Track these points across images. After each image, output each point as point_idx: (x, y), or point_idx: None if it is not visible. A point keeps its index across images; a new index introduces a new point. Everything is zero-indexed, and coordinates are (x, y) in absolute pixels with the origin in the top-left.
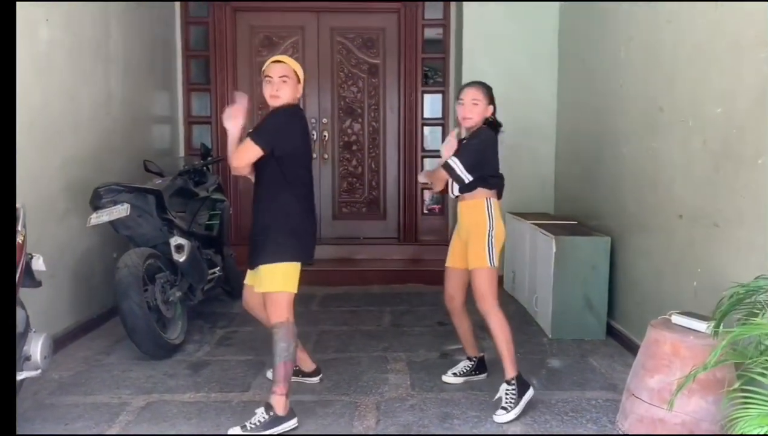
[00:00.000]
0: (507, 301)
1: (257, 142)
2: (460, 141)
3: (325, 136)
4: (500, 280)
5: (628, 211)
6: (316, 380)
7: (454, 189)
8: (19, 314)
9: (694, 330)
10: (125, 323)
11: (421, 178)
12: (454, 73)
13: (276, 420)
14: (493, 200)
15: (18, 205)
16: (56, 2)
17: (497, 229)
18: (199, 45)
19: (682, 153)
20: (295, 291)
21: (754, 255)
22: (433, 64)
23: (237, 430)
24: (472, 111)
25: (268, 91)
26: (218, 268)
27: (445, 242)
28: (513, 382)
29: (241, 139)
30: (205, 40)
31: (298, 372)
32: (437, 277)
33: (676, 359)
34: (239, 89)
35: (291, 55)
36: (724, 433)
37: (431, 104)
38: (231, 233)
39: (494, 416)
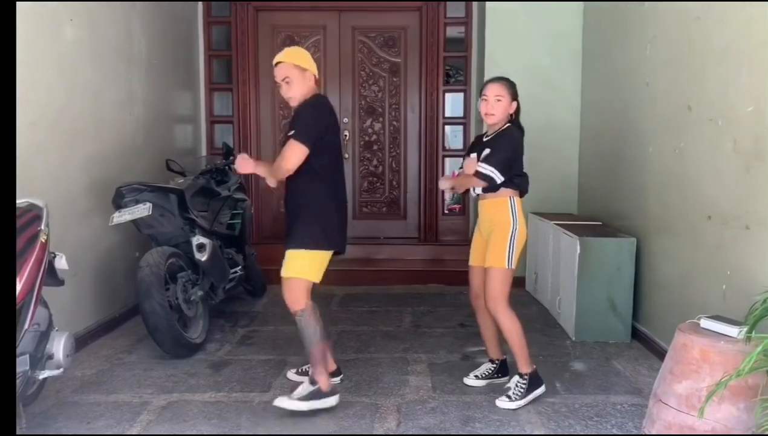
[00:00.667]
0: (529, 302)
1: (303, 141)
2: (480, 137)
3: (346, 135)
4: (522, 281)
5: (653, 212)
6: (336, 380)
7: (477, 188)
8: (42, 312)
9: (725, 335)
10: (147, 322)
11: (444, 185)
12: (476, 72)
13: (319, 394)
14: (516, 199)
15: (41, 204)
16: (81, 2)
17: (520, 230)
18: (221, 45)
19: (711, 153)
20: (315, 280)
21: None
22: (454, 63)
23: (284, 400)
24: (495, 107)
25: (282, 94)
26: (240, 267)
27: (466, 242)
28: (525, 376)
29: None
30: (227, 39)
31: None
32: (458, 277)
33: (705, 365)
34: (261, 88)
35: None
36: None
37: (452, 103)
38: (252, 232)
39: (497, 401)
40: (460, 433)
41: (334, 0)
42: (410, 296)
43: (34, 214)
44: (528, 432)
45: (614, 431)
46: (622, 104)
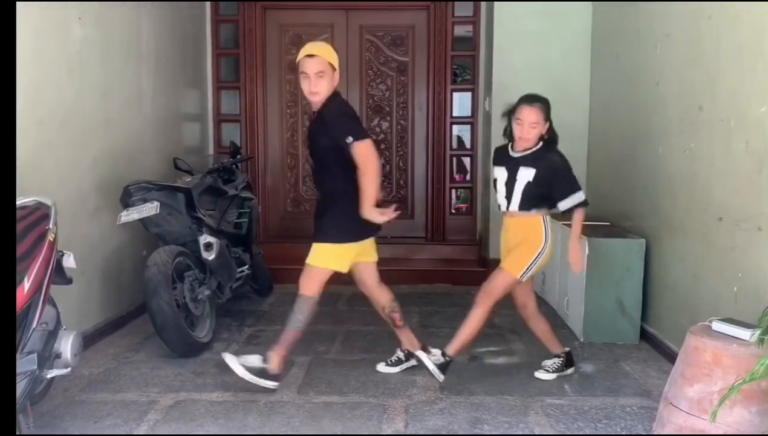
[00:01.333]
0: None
1: (365, 137)
2: (506, 152)
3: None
4: None
5: (663, 213)
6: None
7: (510, 205)
8: (50, 311)
9: (737, 338)
10: (154, 321)
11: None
12: (483, 71)
13: (263, 373)
14: (548, 217)
15: (49, 202)
16: (89, 1)
17: (548, 250)
18: (229, 43)
19: (722, 154)
20: (341, 269)
21: None
22: (462, 62)
23: (231, 358)
24: (530, 133)
25: (306, 88)
26: (247, 266)
27: (474, 242)
28: (450, 359)
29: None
30: (234, 38)
31: (410, 356)
32: (465, 277)
33: (717, 368)
34: (268, 87)
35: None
36: None
37: (460, 102)
38: (259, 231)
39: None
40: (468, 434)
41: None
42: (417, 295)
43: (43, 212)
44: (537, 432)
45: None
46: (631, 104)
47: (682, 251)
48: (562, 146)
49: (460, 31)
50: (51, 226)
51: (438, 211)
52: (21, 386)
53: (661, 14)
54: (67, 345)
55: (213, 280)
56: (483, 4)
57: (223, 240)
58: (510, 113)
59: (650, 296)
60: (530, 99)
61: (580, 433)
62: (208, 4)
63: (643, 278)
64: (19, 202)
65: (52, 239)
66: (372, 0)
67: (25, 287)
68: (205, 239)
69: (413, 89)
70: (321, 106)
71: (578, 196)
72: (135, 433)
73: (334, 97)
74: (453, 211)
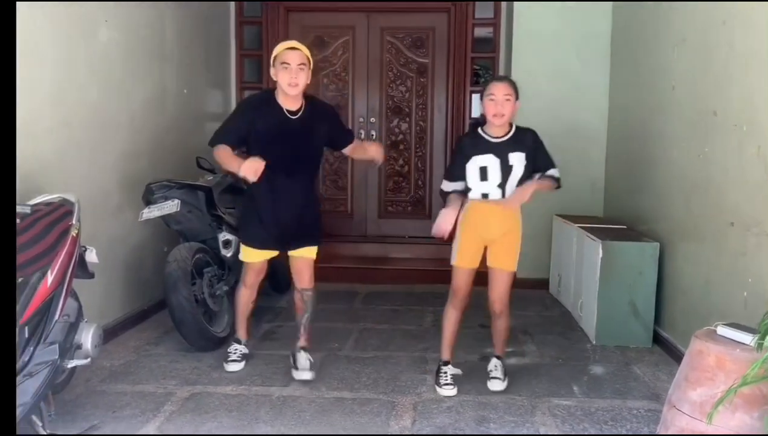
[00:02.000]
0: (552, 305)
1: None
2: (479, 137)
3: (372, 135)
4: (545, 283)
5: (677, 217)
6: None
7: (505, 192)
8: (72, 304)
9: (741, 343)
10: (173, 316)
11: (525, 197)
12: (503, 73)
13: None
14: None
15: (73, 199)
16: (115, 2)
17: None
18: (253, 44)
19: (735, 159)
20: None
21: None
22: (485, 63)
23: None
24: (505, 107)
25: (286, 79)
26: None
27: None
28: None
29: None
30: (258, 39)
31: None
32: (482, 278)
33: (720, 372)
34: None
35: (340, 56)
36: None
37: (479, 104)
38: None
39: (491, 384)
40: (474, 433)
41: (363, 1)
42: (433, 295)
43: (67, 209)
44: (543, 432)
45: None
46: (649, 107)
47: (695, 255)
48: (579, 148)
49: (481, 32)
50: (74, 222)
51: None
52: (42, 375)
53: (679, 17)
54: (87, 337)
55: (231, 276)
56: (503, 6)
57: None
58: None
59: (664, 300)
60: (498, 78)
61: (584, 433)
62: (232, 5)
63: (656, 281)
64: (44, 198)
65: (75, 235)
66: (393, 1)
67: (48, 280)
68: (224, 236)
69: (433, 91)
70: (302, 103)
71: (557, 172)
72: (139, 433)
73: (313, 97)
74: None
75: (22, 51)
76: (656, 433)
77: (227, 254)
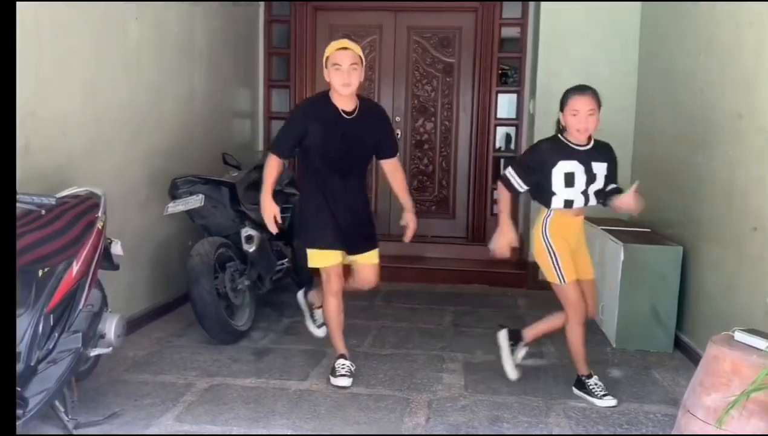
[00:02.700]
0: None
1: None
2: (566, 145)
3: (397, 134)
4: None
5: (701, 221)
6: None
7: (587, 201)
8: (96, 294)
9: (758, 348)
10: (195, 309)
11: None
12: (529, 73)
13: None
14: None
15: (100, 193)
16: (146, 2)
17: None
18: (281, 43)
19: (759, 162)
20: None
21: None
22: (513, 63)
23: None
24: (589, 122)
25: (339, 80)
26: (287, 259)
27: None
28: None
29: None
30: (286, 38)
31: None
32: (502, 278)
33: (735, 378)
34: (318, 86)
35: (368, 55)
36: None
37: (505, 104)
38: None
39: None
40: (487, 432)
41: (390, 0)
42: (453, 295)
43: (93, 202)
44: (556, 433)
45: None
46: (677, 110)
47: (718, 260)
48: None
49: (508, 32)
50: (100, 214)
51: (479, 212)
52: (66, 362)
53: (706, 19)
54: (111, 326)
55: (253, 271)
56: (531, 6)
57: (264, 234)
58: (561, 108)
59: (686, 305)
60: (580, 88)
61: (597, 434)
62: (261, 4)
63: (679, 286)
64: (71, 191)
65: (100, 227)
66: (420, 1)
67: (74, 270)
68: (246, 231)
69: (458, 90)
70: (356, 103)
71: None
72: (145, 433)
73: (368, 98)
74: (494, 212)
75: (54, 48)
76: (669, 435)
77: (249, 248)
